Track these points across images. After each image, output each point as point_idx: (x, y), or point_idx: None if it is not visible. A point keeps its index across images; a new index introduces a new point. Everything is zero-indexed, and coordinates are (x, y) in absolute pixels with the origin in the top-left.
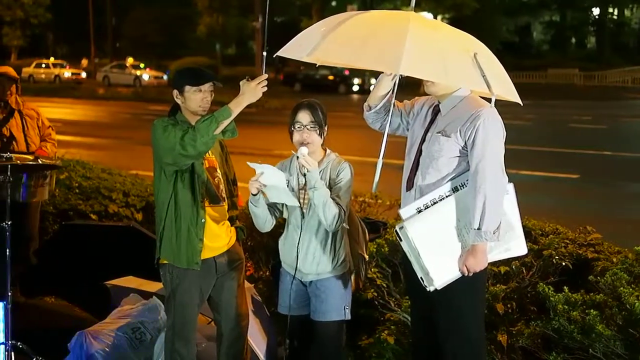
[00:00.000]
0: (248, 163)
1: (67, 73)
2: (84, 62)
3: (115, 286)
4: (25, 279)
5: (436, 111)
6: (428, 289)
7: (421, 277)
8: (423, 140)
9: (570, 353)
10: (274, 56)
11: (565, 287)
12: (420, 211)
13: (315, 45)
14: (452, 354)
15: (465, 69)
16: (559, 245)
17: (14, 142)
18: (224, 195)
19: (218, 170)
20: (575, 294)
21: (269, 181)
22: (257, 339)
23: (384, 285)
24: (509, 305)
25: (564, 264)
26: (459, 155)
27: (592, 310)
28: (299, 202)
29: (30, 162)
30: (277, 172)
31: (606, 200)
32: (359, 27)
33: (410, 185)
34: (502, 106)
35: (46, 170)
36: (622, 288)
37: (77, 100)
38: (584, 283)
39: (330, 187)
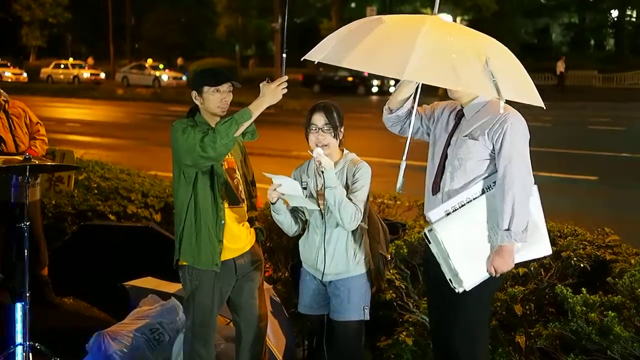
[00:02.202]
0: (264, 174)
1: (85, 74)
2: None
3: (133, 287)
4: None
5: (460, 115)
6: (457, 291)
7: (450, 279)
8: (448, 144)
9: (588, 354)
10: (302, 59)
11: (583, 288)
12: (448, 214)
13: (333, 48)
14: (454, 354)
15: (476, 74)
16: (577, 246)
17: (2, 144)
18: (243, 196)
19: (237, 172)
20: (593, 296)
21: (286, 190)
22: (275, 340)
23: (403, 286)
24: (527, 307)
25: (582, 265)
26: (486, 158)
27: (610, 312)
28: (318, 205)
29: (48, 163)
30: (293, 182)
31: (624, 202)
32: (375, 33)
33: (436, 189)
34: (520, 108)
35: (66, 170)
36: None
37: (96, 100)
38: (602, 285)
39: (347, 187)
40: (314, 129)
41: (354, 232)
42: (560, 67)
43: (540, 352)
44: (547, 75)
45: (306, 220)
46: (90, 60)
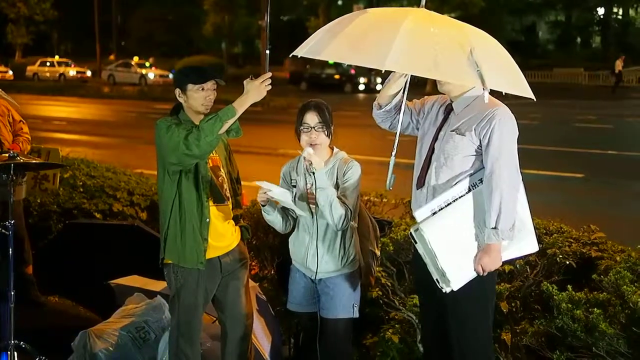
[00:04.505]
0: (257, 182)
1: (72, 71)
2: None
3: (119, 285)
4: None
5: (449, 110)
6: (444, 291)
7: (437, 279)
8: (435, 138)
9: (574, 351)
10: (291, 55)
11: (569, 285)
12: (435, 212)
13: (317, 42)
14: (462, 353)
15: (458, 63)
16: (563, 244)
17: None
18: (228, 194)
19: (222, 170)
20: (579, 293)
21: (276, 196)
22: (261, 338)
23: (389, 284)
24: (513, 304)
25: (567, 262)
26: (473, 154)
27: (595, 309)
28: (308, 205)
29: (33, 161)
30: (283, 191)
31: (610, 200)
32: (359, 25)
33: (421, 183)
34: (508, 105)
35: (51, 168)
36: (625, 286)
37: (82, 99)
38: (588, 282)
39: (337, 186)
40: (306, 128)
41: (344, 231)
42: (619, 65)
43: (526, 349)
44: (535, 73)
45: (297, 217)
46: (112, 57)
